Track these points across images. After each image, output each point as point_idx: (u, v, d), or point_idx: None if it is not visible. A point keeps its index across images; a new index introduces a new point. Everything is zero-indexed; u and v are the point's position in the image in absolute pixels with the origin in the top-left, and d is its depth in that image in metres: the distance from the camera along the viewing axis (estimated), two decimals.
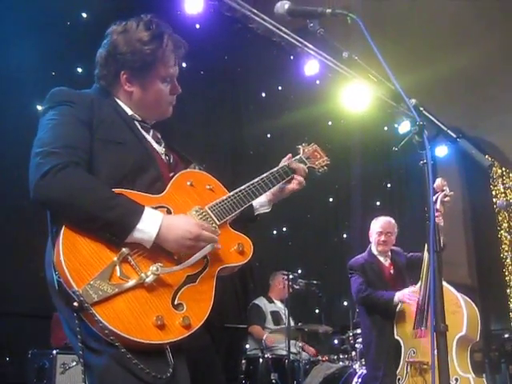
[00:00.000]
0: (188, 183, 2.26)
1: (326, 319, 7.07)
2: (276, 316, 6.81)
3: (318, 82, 8.39)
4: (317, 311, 7.41)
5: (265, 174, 2.49)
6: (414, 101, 1.98)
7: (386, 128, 9.92)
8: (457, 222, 11.58)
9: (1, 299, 4.80)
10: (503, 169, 15.16)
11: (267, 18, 7.65)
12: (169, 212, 2.11)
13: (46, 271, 1.99)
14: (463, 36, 8.30)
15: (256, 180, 2.45)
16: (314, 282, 6.90)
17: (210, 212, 2.21)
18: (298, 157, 2.74)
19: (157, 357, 1.85)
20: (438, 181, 4.58)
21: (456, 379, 4.31)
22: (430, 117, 1.97)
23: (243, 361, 6.22)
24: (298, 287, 6.64)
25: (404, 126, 9.19)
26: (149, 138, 2.32)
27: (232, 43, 7.72)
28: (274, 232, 8.02)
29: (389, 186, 10.73)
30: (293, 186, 2.63)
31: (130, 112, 2.30)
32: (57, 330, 4.59)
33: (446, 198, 4.55)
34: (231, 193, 2.34)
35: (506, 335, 13.46)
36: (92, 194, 1.93)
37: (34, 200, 1.93)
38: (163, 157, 2.33)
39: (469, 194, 12.36)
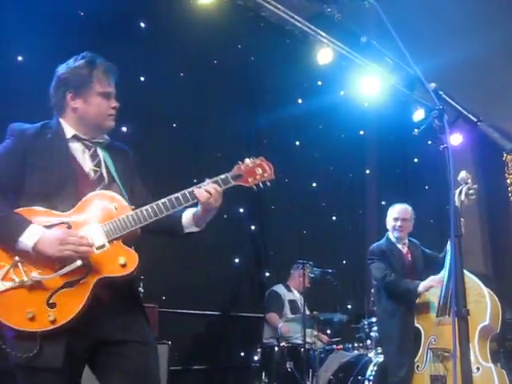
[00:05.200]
0: (95, 203, 2.60)
1: (341, 308, 7.07)
2: (293, 305, 6.82)
3: (331, 70, 8.34)
4: (332, 300, 7.40)
5: (167, 198, 2.68)
6: (433, 85, 1.96)
7: (399, 116, 9.86)
8: (471, 210, 11.50)
9: None
10: None
11: (280, 6, 7.61)
12: (69, 227, 2.51)
13: None
14: (479, 21, 8.21)
15: (158, 202, 2.66)
16: (329, 270, 6.90)
17: (101, 229, 2.54)
18: (224, 175, 2.86)
19: (27, 340, 2.38)
20: (463, 173, 4.55)
21: (478, 368, 4.31)
22: (450, 101, 1.95)
23: (259, 349, 6.24)
24: (313, 276, 6.65)
25: (418, 114, 9.14)
26: (81, 157, 2.73)
27: (245, 32, 7.70)
28: (289, 221, 8.02)
29: (403, 174, 10.69)
30: (202, 210, 2.79)
31: (71, 133, 2.74)
32: None
33: (471, 191, 4.52)
34: (130, 212, 2.60)
35: None
36: None
37: None
38: (92, 174, 2.71)
39: (483, 182, 12.27)
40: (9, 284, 2.40)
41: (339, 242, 8.97)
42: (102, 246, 2.51)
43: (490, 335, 4.57)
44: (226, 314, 7.06)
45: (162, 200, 2.66)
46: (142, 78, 6.28)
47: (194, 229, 2.86)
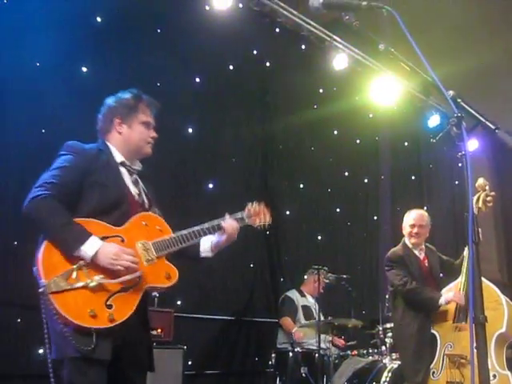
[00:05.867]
0: (143, 223, 3.06)
1: (356, 313, 7.04)
2: (307, 311, 6.81)
3: (346, 75, 8.35)
4: (346, 306, 7.39)
5: (199, 227, 3.20)
6: (451, 92, 1.97)
7: (415, 122, 9.85)
8: (487, 216, 11.46)
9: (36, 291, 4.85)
10: None
11: (295, 12, 7.64)
12: (122, 241, 2.90)
13: None
14: (492, 28, 8.20)
15: (192, 229, 3.17)
16: (344, 276, 6.89)
17: (151, 246, 3.00)
18: (239, 214, 3.45)
19: (85, 335, 2.65)
20: (480, 180, 4.56)
21: (494, 375, 4.29)
22: (469, 108, 1.96)
23: (273, 354, 6.24)
24: (327, 281, 6.64)
25: (433, 120, 9.13)
26: (128, 181, 3.14)
27: (260, 38, 7.73)
28: (304, 227, 8.02)
29: (418, 180, 10.66)
30: (224, 239, 3.33)
31: (120, 159, 3.14)
32: None
33: (488, 198, 4.52)
34: (172, 235, 3.10)
35: None
36: (55, 220, 2.76)
37: (22, 214, 2.80)
38: (136, 197, 3.14)
39: (499, 188, 12.20)
40: (76, 285, 2.69)
41: (354, 248, 8.95)
42: (151, 260, 2.97)
43: (506, 342, 4.55)
44: (241, 319, 7.06)
45: (196, 228, 3.18)
46: (158, 84, 6.30)
47: (210, 254, 3.38)
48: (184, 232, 3.13)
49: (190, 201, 6.56)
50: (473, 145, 10.15)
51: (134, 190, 3.15)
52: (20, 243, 4.96)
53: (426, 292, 5.07)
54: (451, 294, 4.83)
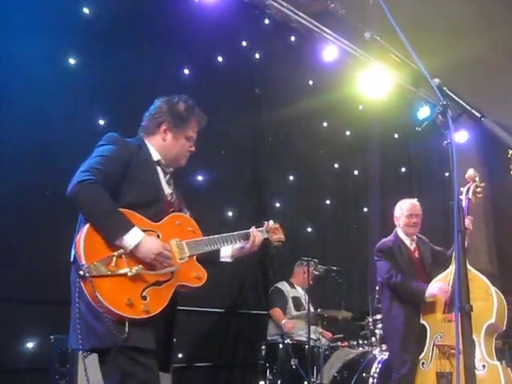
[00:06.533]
0: (177, 222, 3.14)
1: (346, 305, 7.05)
2: (297, 301, 6.81)
3: (336, 67, 8.33)
4: (336, 297, 7.40)
5: (229, 234, 3.34)
6: (437, 80, 1.96)
7: (404, 114, 9.85)
8: (477, 207, 11.49)
9: (26, 286, 4.84)
10: None
11: (285, 4, 7.62)
12: (158, 236, 2.96)
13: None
14: (484, 21, 8.19)
15: (223, 235, 3.30)
16: (334, 268, 6.89)
17: (185, 245, 3.09)
18: (261, 228, 3.56)
19: (119, 324, 2.66)
20: (470, 171, 4.57)
21: (484, 365, 4.31)
22: (454, 96, 1.95)
23: (263, 346, 6.24)
24: (317, 273, 6.63)
25: (423, 112, 9.14)
26: (163, 181, 3.20)
27: (250, 29, 7.69)
28: (294, 219, 8.01)
29: (407, 172, 10.67)
30: (247, 248, 3.44)
31: (156, 158, 3.18)
32: None
33: (478, 189, 4.53)
34: (204, 237, 3.22)
35: None
36: (101, 206, 2.79)
37: (67, 196, 2.79)
38: (169, 197, 3.20)
39: (489, 179, 12.23)
40: (116, 271, 2.71)
41: (344, 240, 8.95)
42: (184, 258, 3.05)
43: (495, 333, 4.57)
44: (231, 312, 7.05)
45: (227, 234, 3.32)
46: (146, 75, 6.26)
47: (229, 259, 3.47)
48: (215, 236, 3.25)
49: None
50: (463, 136, 10.18)
51: (167, 190, 3.21)
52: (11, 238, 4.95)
53: (411, 285, 5.06)
54: (437, 287, 4.83)
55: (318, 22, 7.88)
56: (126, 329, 2.67)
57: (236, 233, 3.37)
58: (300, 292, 6.95)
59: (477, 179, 4.57)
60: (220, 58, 7.34)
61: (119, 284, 2.70)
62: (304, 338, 6.15)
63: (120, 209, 2.84)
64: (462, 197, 4.60)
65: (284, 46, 8.16)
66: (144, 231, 2.85)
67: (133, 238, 2.77)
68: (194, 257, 3.12)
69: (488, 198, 12.26)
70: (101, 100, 5.85)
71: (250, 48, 7.81)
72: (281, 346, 6.06)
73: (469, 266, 4.51)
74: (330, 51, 7.95)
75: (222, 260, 3.46)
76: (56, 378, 4.47)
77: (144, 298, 2.74)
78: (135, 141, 3.19)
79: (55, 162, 5.13)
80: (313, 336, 6.03)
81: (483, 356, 4.35)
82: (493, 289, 4.55)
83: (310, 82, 8.65)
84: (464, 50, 8.07)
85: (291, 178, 8.17)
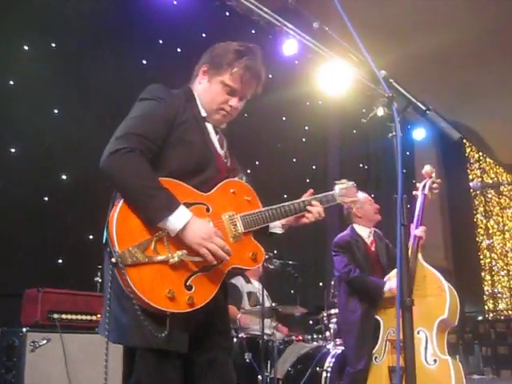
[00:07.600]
0: (231, 190, 2.62)
1: (302, 300, 7.06)
2: (252, 296, 6.78)
3: (296, 62, 8.34)
4: (292, 292, 7.40)
5: (288, 203, 2.80)
6: (383, 72, 1.95)
7: (364, 110, 9.91)
8: (433, 205, 11.67)
9: None
10: (480, 153, 15.30)
11: None
12: (207, 210, 2.49)
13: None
14: (441, 16, 8.28)
15: (281, 205, 2.76)
16: (290, 262, 6.88)
17: (240, 219, 2.57)
18: (331, 193, 3.07)
19: (158, 320, 2.29)
20: (427, 167, 4.60)
21: (435, 360, 4.35)
22: (400, 88, 1.94)
23: None
24: (273, 267, 6.60)
25: (382, 109, 9.21)
26: (215, 140, 2.69)
27: (210, 21, 7.64)
28: None
29: (366, 168, 10.75)
30: (304, 220, 2.92)
31: (204, 114, 2.67)
32: (27, 308, 4.52)
33: (434, 185, 4.56)
34: (262, 209, 2.68)
35: (480, 317, 13.69)
36: (140, 181, 2.31)
37: (100, 168, 2.34)
38: (223, 159, 2.69)
39: (446, 177, 12.46)
40: (155, 258, 2.30)
41: (300, 234, 8.96)
42: (238, 236, 2.55)
43: (447, 328, 4.61)
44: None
45: (286, 204, 2.80)
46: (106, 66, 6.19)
47: (280, 230, 2.96)
48: (274, 207, 2.73)
49: None
50: (420, 134, 10.31)
51: (220, 150, 2.70)
52: None
53: (369, 281, 5.08)
54: (394, 281, 4.87)
55: (278, 16, 7.87)
56: (167, 326, 2.29)
57: (296, 203, 2.85)
58: (256, 287, 6.91)
59: (433, 175, 4.60)
60: (179, 49, 7.28)
61: (159, 273, 2.29)
62: (258, 332, 6.14)
63: (162, 178, 2.39)
64: (419, 192, 4.63)
65: (244, 39, 8.05)
66: (190, 205, 2.40)
67: (179, 219, 2.31)
68: (251, 233, 2.61)
69: (444, 195, 12.47)
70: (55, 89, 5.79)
71: (210, 40, 7.70)
72: (235, 339, 6.04)
73: (423, 262, 4.59)
74: (290, 45, 7.95)
75: (272, 230, 2.92)
76: (2, 372, 4.38)
77: (189, 288, 2.33)
78: (184, 91, 2.71)
79: None
80: (267, 331, 6.02)
81: (435, 351, 4.39)
82: (446, 285, 4.58)
83: (270, 76, 8.61)
84: (420, 46, 8.16)
85: (249, 171, 8.14)
